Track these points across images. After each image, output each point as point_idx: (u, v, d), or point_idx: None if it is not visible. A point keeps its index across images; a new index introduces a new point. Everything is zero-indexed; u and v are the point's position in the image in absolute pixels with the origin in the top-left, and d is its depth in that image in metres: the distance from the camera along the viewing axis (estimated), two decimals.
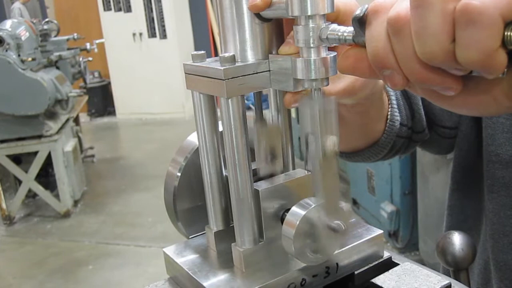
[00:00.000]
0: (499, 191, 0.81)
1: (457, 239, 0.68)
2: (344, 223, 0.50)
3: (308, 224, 0.50)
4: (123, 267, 3.50)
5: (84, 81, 5.07)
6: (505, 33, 0.35)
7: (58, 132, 4.20)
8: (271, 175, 0.57)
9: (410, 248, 3.21)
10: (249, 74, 0.50)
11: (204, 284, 0.53)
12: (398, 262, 0.59)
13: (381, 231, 0.60)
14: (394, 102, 0.81)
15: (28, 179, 4.21)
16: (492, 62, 0.36)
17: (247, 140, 0.52)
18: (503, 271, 0.82)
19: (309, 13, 0.45)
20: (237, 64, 0.50)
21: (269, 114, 0.58)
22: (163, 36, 7.16)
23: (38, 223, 4.30)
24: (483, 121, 0.83)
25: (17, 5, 5.34)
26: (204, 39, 7.47)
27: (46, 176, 4.50)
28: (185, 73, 0.55)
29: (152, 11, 7.11)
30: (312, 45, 0.46)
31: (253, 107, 0.58)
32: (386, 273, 0.56)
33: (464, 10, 0.36)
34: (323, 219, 0.49)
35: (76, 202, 4.52)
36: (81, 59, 4.92)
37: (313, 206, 0.49)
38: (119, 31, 7.22)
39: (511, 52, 0.37)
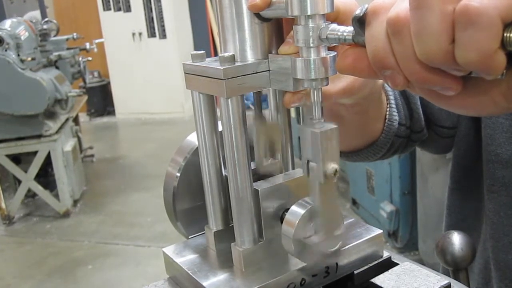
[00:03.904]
0: (499, 191, 0.81)
1: (457, 239, 0.68)
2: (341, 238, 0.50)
3: (308, 224, 0.50)
4: (122, 267, 3.49)
5: (84, 80, 5.05)
6: (504, 35, 0.35)
7: (57, 131, 4.19)
8: (270, 174, 0.58)
9: (410, 248, 3.21)
10: (249, 74, 0.50)
11: (204, 284, 0.53)
12: (398, 262, 0.59)
13: (381, 231, 0.60)
14: (393, 101, 0.81)
15: (28, 179, 4.20)
16: (491, 63, 0.36)
17: (247, 139, 0.53)
18: (503, 271, 0.82)
19: (308, 13, 0.45)
20: (236, 64, 0.50)
21: (269, 113, 0.58)
22: (163, 36, 7.16)
23: (38, 222, 4.30)
24: (482, 121, 0.83)
25: None
26: (204, 39, 7.47)
27: (46, 176, 4.49)
28: (185, 73, 0.55)
29: (151, 10, 7.10)
30: (311, 45, 0.46)
31: (252, 107, 0.58)
32: (386, 273, 0.56)
33: (463, 11, 0.36)
34: (320, 246, 0.50)
35: (75, 202, 4.51)
36: (80, 58, 4.91)
37: (312, 205, 0.49)
38: (118, 31, 7.21)
39: (510, 54, 0.37)
